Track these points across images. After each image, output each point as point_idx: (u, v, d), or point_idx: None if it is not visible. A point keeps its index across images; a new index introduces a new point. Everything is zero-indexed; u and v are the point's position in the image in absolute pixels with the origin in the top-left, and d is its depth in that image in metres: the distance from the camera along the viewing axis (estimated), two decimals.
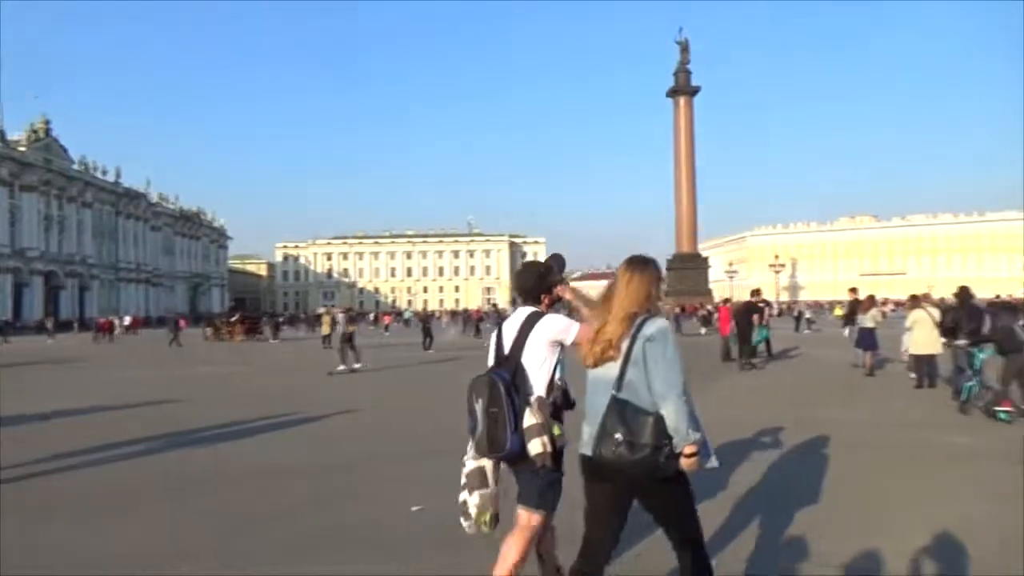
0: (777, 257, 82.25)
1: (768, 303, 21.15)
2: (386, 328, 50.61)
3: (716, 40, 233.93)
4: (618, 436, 2.76)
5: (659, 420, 2.76)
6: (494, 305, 38.22)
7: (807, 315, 40.75)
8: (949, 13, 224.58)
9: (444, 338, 34.57)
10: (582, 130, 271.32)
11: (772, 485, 5.82)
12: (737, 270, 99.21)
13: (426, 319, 29.65)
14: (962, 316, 11.00)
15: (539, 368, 3.31)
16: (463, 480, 3.34)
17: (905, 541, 4.48)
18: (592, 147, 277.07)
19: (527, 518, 3.24)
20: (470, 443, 3.32)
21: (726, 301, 26.40)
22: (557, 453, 3.20)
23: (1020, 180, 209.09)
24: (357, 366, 17.10)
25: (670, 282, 44.29)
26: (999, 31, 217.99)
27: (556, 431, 3.18)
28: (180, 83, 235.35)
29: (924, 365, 12.35)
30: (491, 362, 3.43)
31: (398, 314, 73.20)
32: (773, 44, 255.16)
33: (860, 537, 4.56)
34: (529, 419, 3.13)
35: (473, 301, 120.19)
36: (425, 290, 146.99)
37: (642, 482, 2.85)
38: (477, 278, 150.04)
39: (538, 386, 3.28)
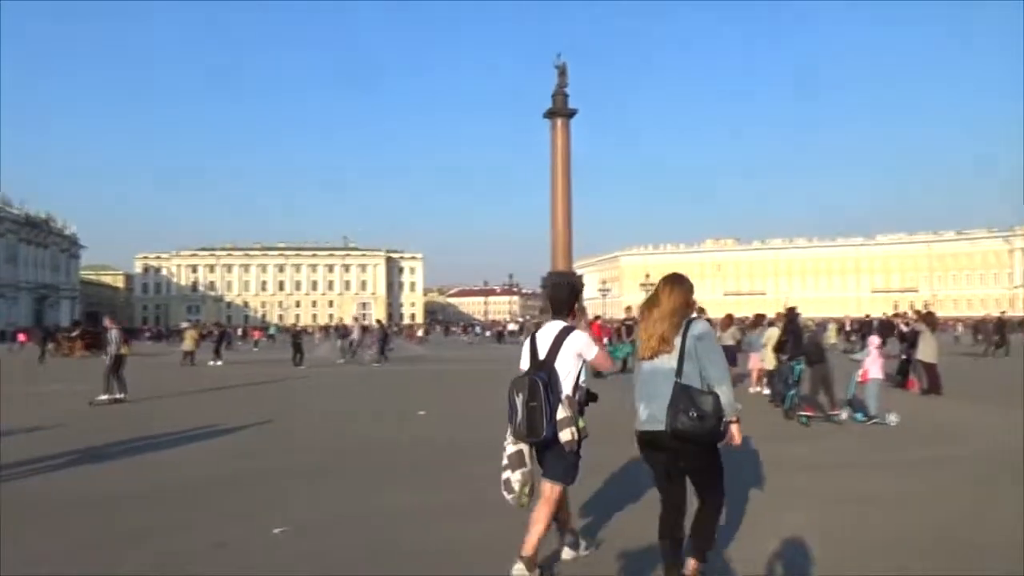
0: (648, 276, 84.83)
1: (636, 320, 22.01)
2: (256, 344, 49.39)
3: (595, 64, 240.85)
4: (692, 413, 3.50)
5: (716, 398, 3.55)
6: (378, 321, 37.54)
7: None
8: (825, 34, 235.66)
9: (316, 354, 33.63)
10: (460, 148, 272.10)
11: (628, 497, 5.95)
12: (610, 288, 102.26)
13: (296, 335, 28.61)
14: (789, 334, 12.19)
15: (568, 373, 4.10)
16: (504, 461, 4.08)
17: (755, 547, 4.70)
18: (469, 165, 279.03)
19: (551, 489, 4.06)
20: (509, 430, 4.09)
21: (596, 318, 27.22)
22: (580, 441, 3.98)
23: (863, 209, 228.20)
24: (120, 396, 14.62)
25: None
26: (859, 53, 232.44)
27: (581, 423, 4.00)
28: (29, 81, 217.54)
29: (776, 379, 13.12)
30: (525, 365, 4.19)
31: (265, 329, 70.34)
32: (646, 67, 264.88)
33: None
34: (561, 413, 3.92)
35: (347, 316, 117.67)
36: (297, 304, 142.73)
37: (698, 447, 3.61)
38: (352, 293, 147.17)
39: (567, 386, 4.05)
